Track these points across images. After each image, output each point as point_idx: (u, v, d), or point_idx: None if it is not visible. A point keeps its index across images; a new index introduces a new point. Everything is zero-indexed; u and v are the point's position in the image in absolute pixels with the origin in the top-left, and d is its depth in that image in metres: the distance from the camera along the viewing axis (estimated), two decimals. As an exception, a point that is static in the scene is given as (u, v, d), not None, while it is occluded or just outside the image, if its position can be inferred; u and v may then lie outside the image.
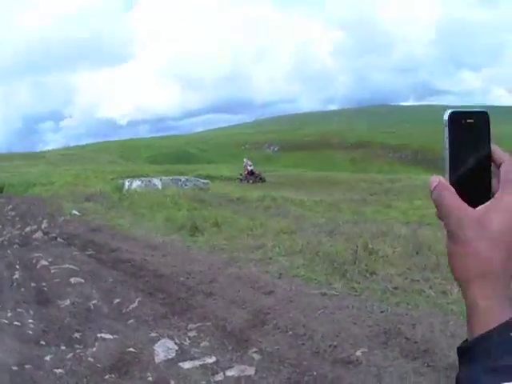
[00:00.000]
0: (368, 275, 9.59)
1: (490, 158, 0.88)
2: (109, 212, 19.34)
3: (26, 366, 6.61)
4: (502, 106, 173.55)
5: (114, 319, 8.63)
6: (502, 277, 0.83)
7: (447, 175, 0.88)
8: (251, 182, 33.38)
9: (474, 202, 0.86)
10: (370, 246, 10.98)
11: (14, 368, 6.54)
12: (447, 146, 0.88)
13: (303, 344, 6.83)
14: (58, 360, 6.88)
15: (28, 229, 17.01)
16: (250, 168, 33.93)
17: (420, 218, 16.29)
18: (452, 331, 6.73)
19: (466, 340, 0.85)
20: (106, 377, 6.43)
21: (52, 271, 11.31)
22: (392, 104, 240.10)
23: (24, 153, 74.64)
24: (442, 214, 0.87)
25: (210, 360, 6.72)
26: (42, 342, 7.54)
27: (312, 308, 8.12)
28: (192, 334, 7.83)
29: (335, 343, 6.74)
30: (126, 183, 24.48)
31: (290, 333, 7.31)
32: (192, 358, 6.85)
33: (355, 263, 10.07)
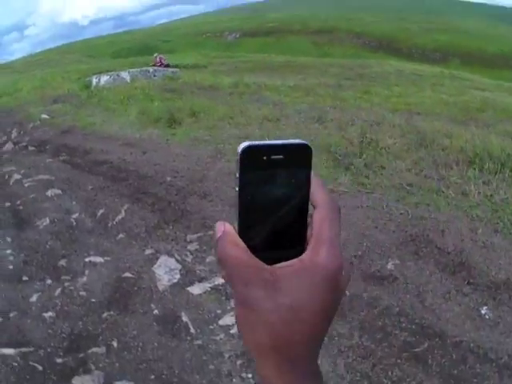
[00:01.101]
0: (376, 169, 8.55)
1: (306, 203, 0.68)
2: (78, 112, 17.58)
3: (11, 315, 5.46)
4: (466, 0, 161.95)
5: (100, 235, 7.34)
6: (302, 352, 0.66)
7: (237, 222, 0.67)
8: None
9: (272, 259, 0.66)
10: (368, 136, 10.03)
11: None
12: (237, 186, 0.65)
13: None
14: (46, 299, 5.71)
15: (-3, 141, 15.30)
16: (164, 62, 31.52)
17: (407, 105, 15.50)
18: (484, 241, 6.06)
19: None
20: (105, 315, 5.36)
21: (26, 185, 9.89)
22: None
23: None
24: (227, 273, 0.67)
25: (221, 280, 5.69)
26: (25, 278, 6.28)
27: (322, 209, 6.94)
28: (193, 246, 6.67)
29: (360, 253, 5.91)
30: (94, 80, 22.82)
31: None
32: (200, 280, 5.84)
33: (359, 155, 9.10)
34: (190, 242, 6.77)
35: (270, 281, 0.65)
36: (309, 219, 0.69)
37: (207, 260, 6.27)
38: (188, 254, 6.47)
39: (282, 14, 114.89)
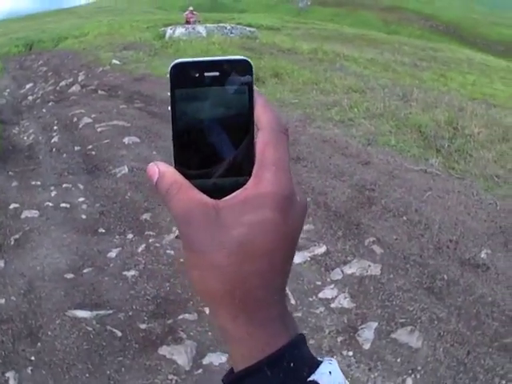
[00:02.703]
0: (465, 156, 8.49)
1: (249, 125, 0.61)
2: (152, 60, 17.43)
3: (85, 271, 5.06)
4: None
5: None
6: (261, 295, 0.60)
7: (173, 155, 0.62)
8: None
9: (222, 194, 0.60)
10: (455, 122, 9.97)
11: (69, 276, 4.96)
12: (170, 106, 0.61)
13: (422, 235, 5.88)
14: (127, 256, 5.33)
15: (63, 83, 15.27)
16: (193, 20, 28.86)
17: (482, 95, 15.07)
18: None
19: (231, 371, 0.64)
20: None
21: (98, 130, 9.57)
22: None
23: (52, 10, 72.49)
24: (171, 214, 0.61)
25: (320, 250, 5.56)
26: (102, 230, 5.91)
27: (417, 188, 7.12)
28: None
29: (455, 238, 5.85)
30: (169, 30, 22.68)
31: (404, 218, 6.29)
32: (299, 248, 5.46)
33: (449, 140, 9.10)
34: (288, 207, 6.33)
35: (212, 216, 0.59)
36: None
37: (305, 227, 5.82)
38: None
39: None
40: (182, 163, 0.60)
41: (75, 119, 10.41)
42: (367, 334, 4.35)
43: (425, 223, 6.12)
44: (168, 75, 0.60)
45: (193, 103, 0.60)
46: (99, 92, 13.07)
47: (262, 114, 0.61)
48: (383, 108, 10.62)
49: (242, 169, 0.60)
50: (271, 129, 0.60)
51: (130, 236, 5.67)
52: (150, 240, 5.55)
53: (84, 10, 64.59)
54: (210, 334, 4.18)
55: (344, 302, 4.74)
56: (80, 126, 9.94)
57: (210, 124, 0.60)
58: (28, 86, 16.54)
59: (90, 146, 8.69)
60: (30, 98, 14.69)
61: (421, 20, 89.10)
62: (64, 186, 7.16)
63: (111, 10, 55.37)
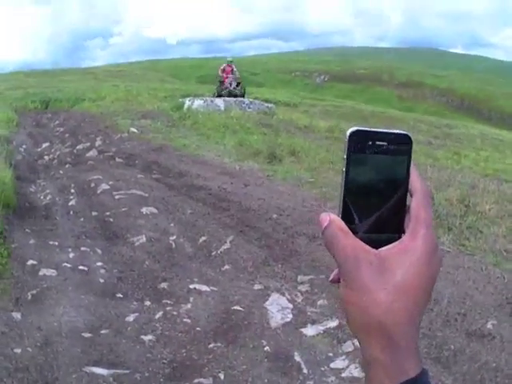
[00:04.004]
0: (476, 232, 9.04)
1: (405, 190, 0.77)
2: (170, 131, 18.03)
3: (103, 332, 5.40)
4: None
5: (203, 263, 7.34)
6: (406, 329, 0.74)
7: (341, 209, 0.75)
8: (226, 93, 25.38)
9: (377, 244, 0.74)
10: (467, 199, 10.59)
11: (87, 335, 5.29)
12: (344, 167, 0.74)
13: (432, 310, 6.09)
14: (145, 321, 5.66)
15: (80, 146, 15.75)
16: (232, 77, 26.15)
17: (495, 171, 16.11)
18: None
19: None
20: (211, 346, 5.28)
21: (116, 197, 9.98)
22: (441, 49, 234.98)
23: (71, 68, 73.38)
24: (336, 257, 0.76)
25: (333, 324, 5.79)
26: (119, 295, 6.28)
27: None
28: (304, 287, 6.65)
29: (463, 311, 6.18)
30: (187, 102, 23.13)
31: (415, 294, 6.31)
32: (312, 322, 5.86)
33: (460, 217, 9.59)
34: (302, 283, 6.73)
35: (376, 262, 0.73)
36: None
37: (318, 303, 6.22)
38: (298, 294, 6.44)
39: (370, 62, 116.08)
40: (346, 217, 0.74)
41: (93, 184, 10.82)
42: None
43: (434, 298, 6.30)
44: (346, 139, 0.73)
45: (364, 167, 0.74)
46: (117, 159, 13.54)
47: (417, 181, 0.77)
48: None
49: (394, 225, 0.76)
50: (424, 194, 0.76)
51: (147, 303, 5.99)
52: (168, 308, 5.87)
53: (101, 71, 65.38)
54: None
55: (354, 371, 4.97)
56: (98, 192, 10.34)
57: (375, 186, 0.74)
58: (44, 145, 16.97)
59: (107, 213, 9.07)
60: (47, 157, 15.08)
61: (436, 96, 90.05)
62: (82, 249, 7.49)
63: (127, 75, 56.42)
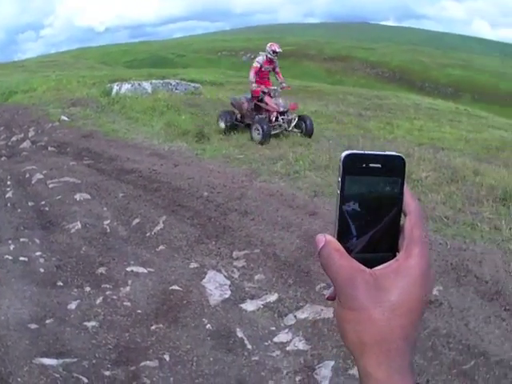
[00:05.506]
0: None
1: (399, 210, 0.76)
2: (100, 117, 17.64)
3: (48, 321, 5.26)
4: (483, 38, 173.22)
5: (138, 245, 7.22)
6: (401, 345, 0.74)
7: (336, 230, 0.76)
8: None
9: (372, 263, 0.75)
10: None
11: (33, 326, 5.16)
12: (339, 189, 0.75)
13: None
14: (87, 308, 5.56)
15: (14, 138, 15.26)
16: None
17: (430, 140, 16.13)
18: (516, 273, 6.50)
19: None
20: (153, 327, 5.25)
21: (50, 186, 9.76)
22: (372, 22, 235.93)
23: (2, 63, 71.06)
24: (332, 277, 0.76)
25: (272, 298, 5.80)
26: (60, 283, 6.13)
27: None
28: (240, 263, 6.63)
29: None
30: (115, 87, 22.64)
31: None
32: (251, 297, 5.86)
33: None
34: (237, 258, 6.71)
35: (371, 281, 0.73)
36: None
37: (256, 278, 6.23)
38: (235, 270, 6.42)
39: (298, 39, 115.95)
40: (341, 237, 0.75)
41: (27, 175, 10.56)
42: (325, 372, 4.57)
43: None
44: (340, 163, 0.74)
45: (358, 188, 0.74)
46: (49, 148, 13.21)
47: (410, 201, 0.76)
48: (328, 160, 11.02)
49: (388, 245, 0.76)
50: (418, 213, 0.76)
51: (87, 289, 5.88)
52: (107, 293, 5.77)
53: (32, 62, 63.99)
54: (171, 379, 4.45)
55: (299, 344, 4.98)
56: (33, 182, 10.08)
57: (370, 207, 0.75)
58: (-21, 141, 16.38)
59: (42, 202, 8.86)
60: (-19, 152, 14.57)
61: (366, 68, 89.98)
62: (21, 240, 7.30)
63: (58, 65, 55.01)
